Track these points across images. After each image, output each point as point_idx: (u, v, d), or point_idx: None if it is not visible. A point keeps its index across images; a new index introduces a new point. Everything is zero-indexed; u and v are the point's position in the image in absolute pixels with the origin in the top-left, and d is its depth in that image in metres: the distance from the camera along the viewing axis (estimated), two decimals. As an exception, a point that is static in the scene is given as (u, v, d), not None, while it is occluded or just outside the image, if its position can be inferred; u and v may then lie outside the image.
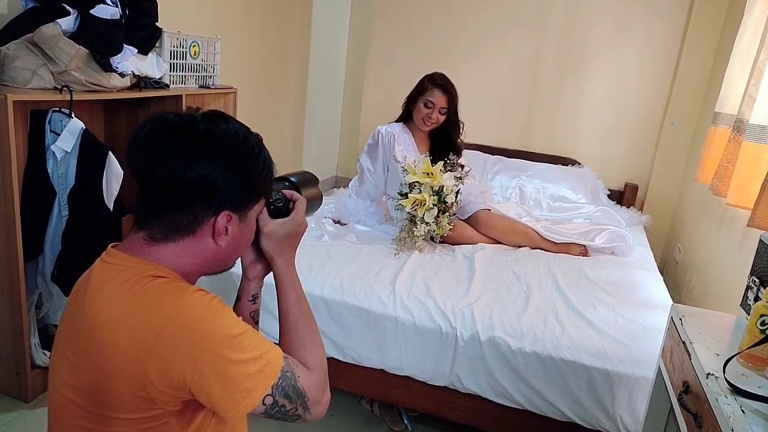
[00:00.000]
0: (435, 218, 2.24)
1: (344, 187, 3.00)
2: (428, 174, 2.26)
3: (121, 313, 0.81)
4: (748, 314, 1.27)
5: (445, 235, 2.29)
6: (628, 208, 3.23)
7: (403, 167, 2.33)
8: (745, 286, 1.30)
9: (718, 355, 1.12)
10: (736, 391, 0.99)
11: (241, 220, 0.90)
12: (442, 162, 2.31)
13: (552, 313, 1.81)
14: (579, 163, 3.38)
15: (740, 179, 1.89)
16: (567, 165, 3.37)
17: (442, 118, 2.46)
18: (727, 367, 1.05)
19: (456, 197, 2.32)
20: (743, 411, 0.93)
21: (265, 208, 0.97)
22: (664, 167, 3.29)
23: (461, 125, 2.54)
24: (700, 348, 1.15)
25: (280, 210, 1.00)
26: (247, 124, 0.93)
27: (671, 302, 2.01)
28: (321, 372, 0.94)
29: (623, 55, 3.29)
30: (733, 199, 1.91)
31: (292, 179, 1.06)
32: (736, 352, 1.08)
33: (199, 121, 0.86)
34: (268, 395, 0.82)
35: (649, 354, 1.60)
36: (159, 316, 0.79)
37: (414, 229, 2.23)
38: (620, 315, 1.83)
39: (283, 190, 1.03)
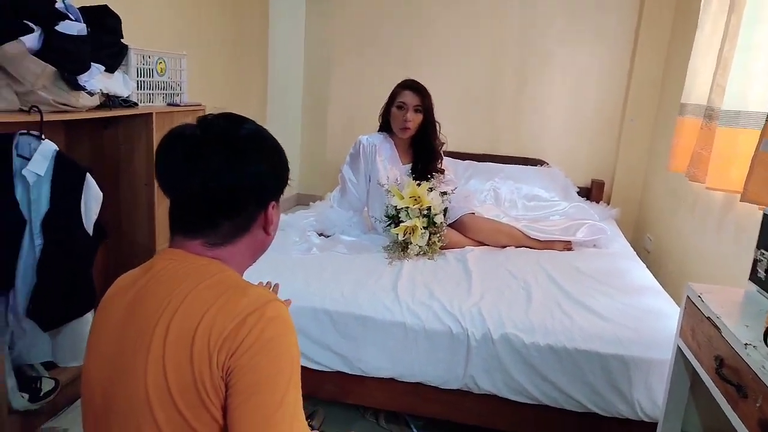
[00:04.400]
0: (427, 240, 2.23)
1: (320, 200, 2.94)
2: (415, 198, 2.25)
3: (204, 299, 0.81)
4: (761, 287, 1.31)
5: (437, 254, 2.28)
6: (597, 203, 3.32)
7: (387, 189, 2.31)
8: (752, 260, 1.34)
9: (747, 326, 1.15)
10: (778, 357, 1.01)
11: (278, 204, 0.96)
12: (426, 181, 2.31)
13: (556, 305, 1.81)
14: (546, 163, 3.46)
15: (718, 163, 1.97)
16: (535, 165, 3.44)
17: (419, 118, 2.45)
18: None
19: (445, 215, 2.32)
20: (793, 375, 0.95)
21: None
22: (627, 161, 3.41)
23: (437, 125, 2.54)
24: (729, 321, 1.17)
25: None
26: None
27: (660, 287, 2.07)
28: None
29: (579, 56, 3.41)
30: (712, 183, 1.99)
31: None
32: (765, 325, 1.10)
33: (223, 129, 0.89)
34: None
35: (658, 336, 1.62)
36: (247, 307, 0.80)
37: (407, 250, 2.21)
38: (619, 302, 1.86)
39: None
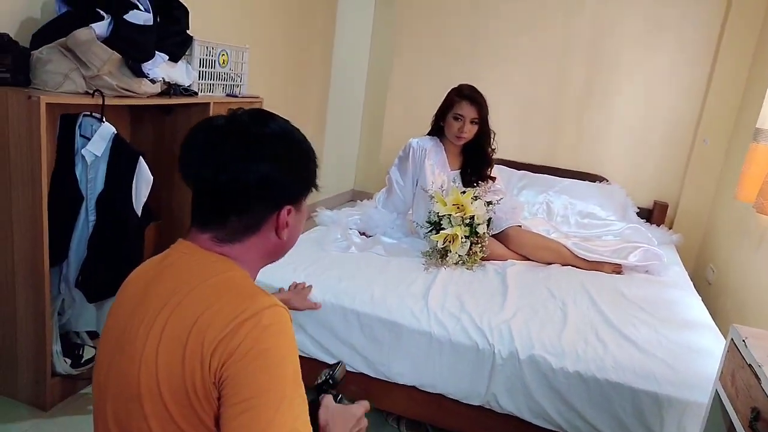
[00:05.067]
0: (468, 250, 2.19)
1: (366, 200, 2.94)
2: (458, 206, 2.21)
3: (205, 298, 0.82)
4: (815, 336, 1.20)
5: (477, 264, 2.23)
6: (658, 226, 3.15)
7: (431, 195, 2.28)
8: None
9: (790, 379, 1.05)
10: (818, 418, 0.92)
11: (298, 211, 0.94)
12: (472, 189, 2.26)
13: (592, 331, 1.73)
14: (606, 180, 3.31)
15: (788, 196, 1.82)
16: (594, 181, 3.30)
17: (475, 129, 2.41)
18: (805, 393, 0.97)
19: (488, 226, 2.26)
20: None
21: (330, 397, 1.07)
22: (695, 185, 3.21)
23: (492, 134, 2.48)
24: (770, 371, 1.07)
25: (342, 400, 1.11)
26: None
27: (713, 323, 1.93)
28: None
29: (653, 70, 3.23)
30: (780, 217, 1.84)
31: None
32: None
33: (247, 123, 0.88)
34: None
35: (699, 377, 1.52)
36: (245, 311, 0.79)
37: (446, 258, 2.18)
38: (663, 335, 1.76)
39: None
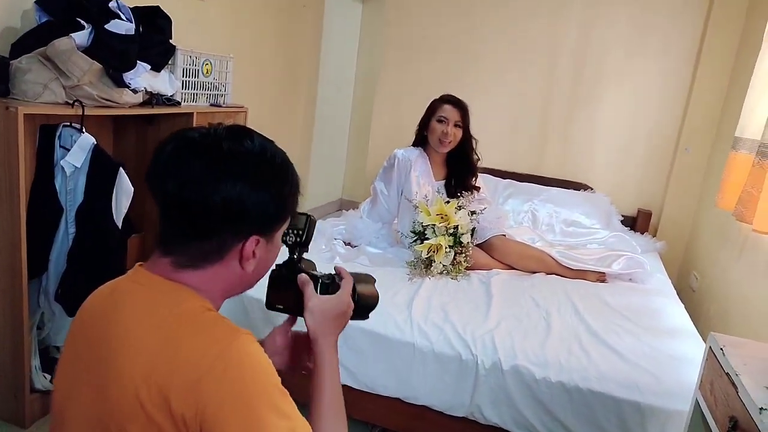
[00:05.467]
0: (452, 260, 2.19)
1: (353, 209, 2.94)
2: (442, 216, 2.21)
3: (158, 340, 0.75)
4: (793, 345, 1.21)
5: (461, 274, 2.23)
6: (642, 234, 3.17)
7: (415, 205, 2.29)
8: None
9: (767, 388, 1.05)
10: (794, 428, 0.92)
11: (268, 242, 0.85)
12: (456, 199, 2.27)
13: (575, 340, 1.74)
14: (591, 188, 3.34)
15: (767, 205, 1.84)
16: (579, 190, 3.32)
17: (460, 133, 2.42)
18: (782, 402, 0.98)
19: (472, 236, 2.27)
20: (807, 451, 0.86)
21: (312, 283, 0.94)
22: (678, 193, 3.24)
23: (474, 142, 2.49)
24: (748, 381, 1.08)
25: (328, 287, 0.96)
26: None
27: (695, 331, 1.94)
28: None
29: (636, 80, 3.27)
30: (759, 225, 1.86)
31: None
32: (790, 386, 1.01)
33: (223, 138, 0.80)
34: None
35: (681, 385, 1.52)
36: (207, 353, 0.73)
37: (431, 268, 2.18)
38: (646, 344, 1.76)
39: (336, 266, 1.01)
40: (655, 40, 3.20)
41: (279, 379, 0.76)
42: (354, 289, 0.98)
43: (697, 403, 1.32)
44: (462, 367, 1.64)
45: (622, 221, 3.19)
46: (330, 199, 5.00)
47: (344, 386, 1.73)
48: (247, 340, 0.76)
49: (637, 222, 3.29)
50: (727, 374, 1.15)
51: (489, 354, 1.64)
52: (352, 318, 0.99)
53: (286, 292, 0.95)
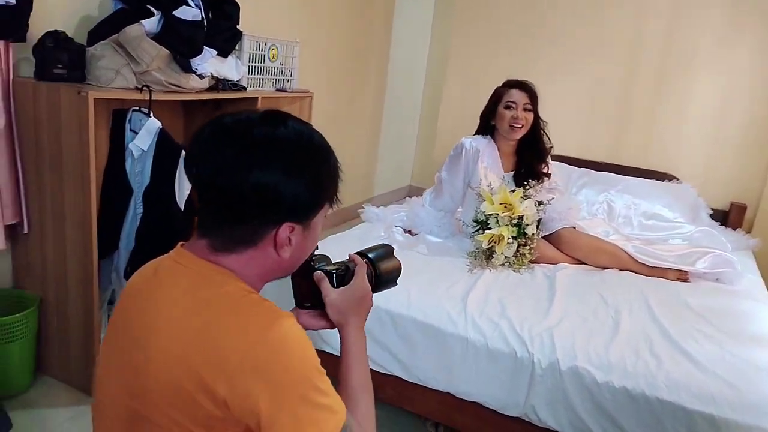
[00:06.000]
0: (515, 252, 2.08)
1: (417, 197, 2.88)
2: (506, 206, 2.10)
3: (199, 322, 0.76)
4: None
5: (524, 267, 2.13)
6: (734, 229, 2.89)
7: (478, 193, 2.19)
8: None
9: None
10: None
11: (305, 228, 0.84)
12: (522, 189, 2.15)
13: (646, 344, 1.60)
14: (677, 179, 3.08)
15: None
16: (662, 180, 3.08)
17: (531, 117, 2.30)
18: None
19: (538, 227, 2.15)
20: None
21: (326, 279, 0.97)
22: (778, 185, 2.92)
23: (543, 124, 2.36)
24: None
25: (343, 278, 0.99)
26: (320, 130, 0.87)
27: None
28: None
29: (731, 65, 2.97)
30: None
31: (368, 255, 1.04)
32: None
33: (256, 124, 0.80)
34: None
35: (765, 399, 1.36)
36: (248, 337, 0.74)
37: (492, 259, 2.09)
38: (728, 351, 1.59)
39: (349, 254, 1.03)
40: (754, 23, 2.88)
41: (318, 359, 0.78)
42: (375, 268, 1.02)
43: (782, 422, 1.16)
44: (517, 365, 1.55)
45: (711, 215, 2.93)
46: (399, 185, 4.96)
47: (396, 378, 1.73)
48: (288, 323, 0.77)
49: (729, 216, 3.01)
50: (820, 394, 1.00)
51: (546, 353, 1.54)
52: (382, 290, 1.04)
53: (307, 291, 0.99)
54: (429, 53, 4.78)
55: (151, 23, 1.95)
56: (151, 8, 1.95)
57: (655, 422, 1.41)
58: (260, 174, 0.76)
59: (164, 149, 1.88)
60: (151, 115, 1.89)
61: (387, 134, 4.39)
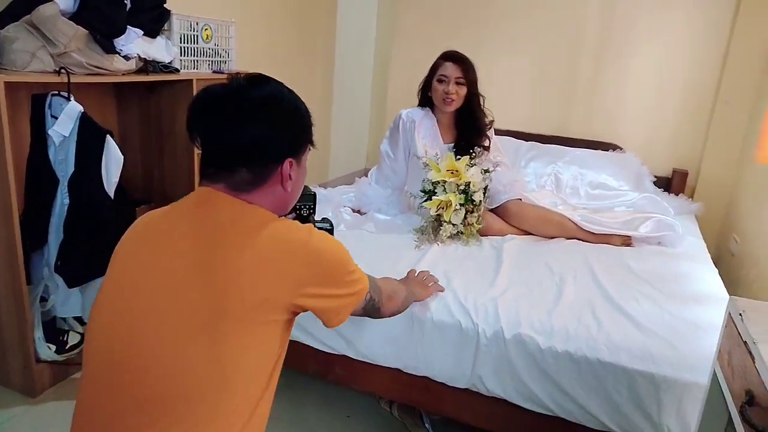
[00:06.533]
0: (463, 220, 2.07)
1: (365, 177, 2.84)
2: (453, 171, 2.08)
3: (255, 240, 0.93)
4: (827, 309, 1.05)
5: (472, 238, 2.11)
6: (677, 195, 2.96)
7: (424, 162, 2.17)
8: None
9: (790, 358, 0.92)
10: (816, 404, 0.79)
11: (298, 166, 1.03)
12: (468, 156, 2.13)
13: (588, 308, 1.61)
14: (621, 148, 3.13)
15: (809, 156, 1.64)
16: (607, 150, 3.12)
17: (463, 91, 2.27)
18: (803, 374, 0.84)
19: (485, 194, 2.14)
20: (828, 431, 0.73)
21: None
22: (717, 150, 3.00)
23: (482, 99, 2.34)
24: (767, 350, 0.94)
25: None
26: None
27: (727, 296, 1.78)
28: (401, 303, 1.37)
29: (670, 29, 3.01)
30: (800, 179, 1.66)
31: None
32: (814, 356, 0.87)
33: (245, 86, 0.97)
34: (365, 299, 1.11)
35: (702, 356, 1.38)
36: (295, 244, 0.95)
37: (440, 230, 2.07)
38: (667, 311, 1.62)
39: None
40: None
41: (347, 250, 1.04)
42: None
43: (715, 375, 1.18)
44: (462, 337, 1.54)
45: (654, 182, 2.98)
46: (354, 168, 4.90)
47: (343, 357, 1.70)
48: (315, 228, 0.99)
49: (672, 183, 3.07)
50: (745, 342, 1.01)
51: (491, 322, 1.53)
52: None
53: None
54: (376, 35, 4.72)
55: (66, 2, 1.83)
56: (66, -15, 1.84)
57: (597, 384, 1.42)
58: (259, 127, 0.95)
59: (88, 134, 1.77)
60: (72, 98, 1.78)
61: (338, 117, 4.31)
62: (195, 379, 0.87)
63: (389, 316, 1.32)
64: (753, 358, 0.95)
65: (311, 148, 1.07)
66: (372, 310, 1.20)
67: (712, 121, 2.99)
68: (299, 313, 0.98)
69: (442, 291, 1.65)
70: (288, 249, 0.94)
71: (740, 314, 1.07)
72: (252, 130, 0.94)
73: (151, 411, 0.87)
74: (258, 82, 0.98)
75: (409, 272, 1.68)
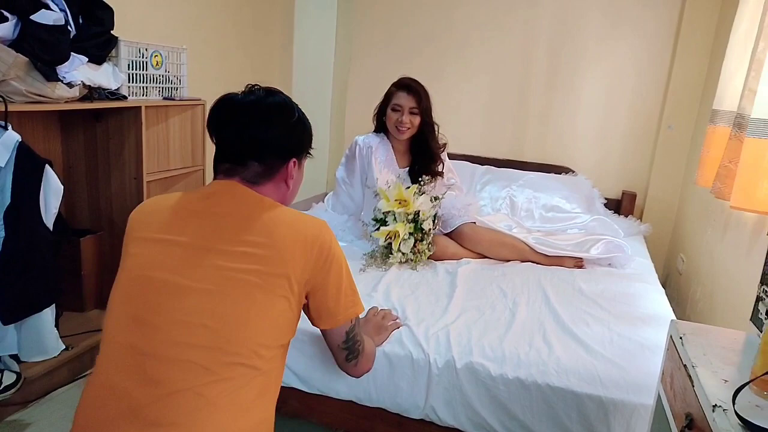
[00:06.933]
0: (412, 248, 2.07)
1: (322, 203, 2.82)
2: (400, 202, 2.09)
3: (287, 219, 1.10)
4: (760, 331, 1.08)
5: (422, 263, 2.12)
6: (627, 216, 3.04)
7: (375, 192, 2.17)
8: (755, 298, 1.12)
9: (726, 381, 0.94)
10: (749, 426, 0.80)
11: (299, 168, 1.20)
12: (416, 185, 2.15)
13: (539, 332, 1.62)
14: (573, 171, 3.21)
15: (744, 179, 1.71)
16: (560, 173, 3.19)
17: (417, 120, 2.30)
18: (737, 398, 0.86)
19: (434, 222, 2.15)
20: (759, 455, 0.74)
21: None
22: (663, 173, 3.11)
23: (436, 127, 2.37)
24: (705, 373, 0.96)
25: None
26: None
27: (673, 316, 1.82)
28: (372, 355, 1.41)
29: (615, 58, 3.13)
30: (737, 202, 1.73)
31: None
32: (748, 380, 0.89)
33: (264, 96, 1.16)
34: (351, 322, 1.21)
35: (649, 376, 1.40)
36: (309, 235, 1.08)
37: (390, 257, 2.07)
38: (616, 332, 1.64)
39: None
40: (634, 18, 3.06)
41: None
42: None
43: (659, 397, 1.20)
44: (414, 367, 1.52)
45: (605, 204, 3.06)
46: (314, 193, 4.87)
47: (297, 391, 1.65)
48: (324, 223, 1.14)
49: (621, 204, 3.15)
50: (684, 366, 1.03)
51: (442, 352, 1.51)
52: None
53: None
54: (335, 60, 4.75)
55: (6, 28, 1.78)
56: (5, 13, 1.78)
57: (547, 409, 1.42)
58: (273, 129, 1.14)
59: (25, 164, 1.70)
60: (9, 127, 1.71)
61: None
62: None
63: (359, 376, 1.36)
64: (692, 382, 0.96)
65: (310, 155, 1.24)
66: (352, 350, 1.26)
67: (657, 145, 3.10)
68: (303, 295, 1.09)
69: (399, 328, 1.62)
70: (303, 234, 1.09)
71: (680, 337, 1.09)
72: (269, 130, 1.12)
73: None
74: (274, 92, 1.18)
75: (369, 310, 1.66)
